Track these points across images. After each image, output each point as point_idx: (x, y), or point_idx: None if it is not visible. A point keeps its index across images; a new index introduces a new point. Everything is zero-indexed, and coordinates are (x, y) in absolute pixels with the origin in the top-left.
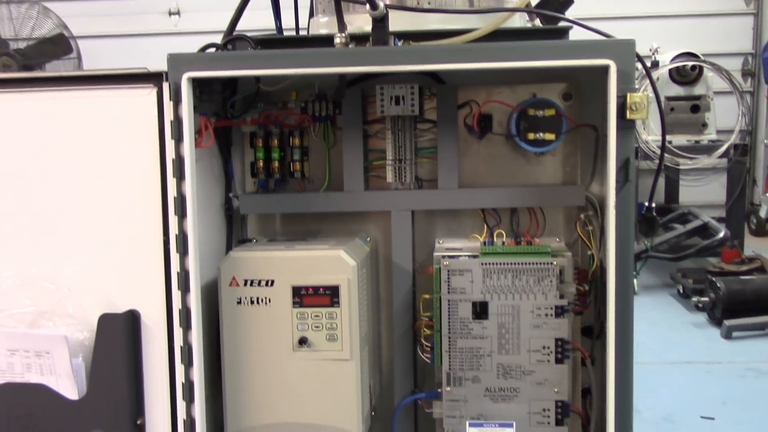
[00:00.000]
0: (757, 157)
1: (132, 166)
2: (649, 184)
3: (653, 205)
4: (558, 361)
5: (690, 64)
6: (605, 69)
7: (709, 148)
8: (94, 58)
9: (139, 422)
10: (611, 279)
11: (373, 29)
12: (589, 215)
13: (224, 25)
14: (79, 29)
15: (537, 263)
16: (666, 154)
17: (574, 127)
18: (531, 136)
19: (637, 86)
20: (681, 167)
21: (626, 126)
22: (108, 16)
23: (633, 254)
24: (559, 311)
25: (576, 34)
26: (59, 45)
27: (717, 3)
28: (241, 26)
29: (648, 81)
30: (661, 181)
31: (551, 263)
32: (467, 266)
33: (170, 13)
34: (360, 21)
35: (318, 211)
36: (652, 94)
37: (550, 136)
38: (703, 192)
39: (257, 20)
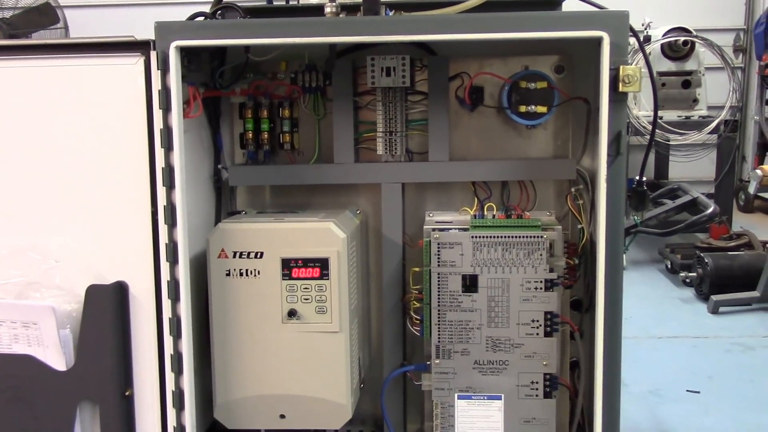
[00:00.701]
0: (747, 133)
1: (119, 137)
2: (639, 160)
3: (644, 179)
4: (547, 334)
5: (682, 39)
6: (598, 41)
7: (699, 124)
8: (82, 27)
9: (127, 393)
10: (601, 252)
11: None
12: (580, 189)
13: None
14: None
15: (527, 236)
16: (657, 130)
17: (566, 99)
18: (523, 108)
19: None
20: (671, 143)
21: (619, 99)
22: None
23: (623, 228)
24: (549, 285)
25: (570, 5)
26: (45, 14)
27: None
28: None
29: (639, 56)
30: (652, 156)
31: (541, 237)
32: (457, 239)
33: None
34: None
35: (308, 183)
36: (644, 69)
37: (541, 109)
38: (693, 168)
39: None
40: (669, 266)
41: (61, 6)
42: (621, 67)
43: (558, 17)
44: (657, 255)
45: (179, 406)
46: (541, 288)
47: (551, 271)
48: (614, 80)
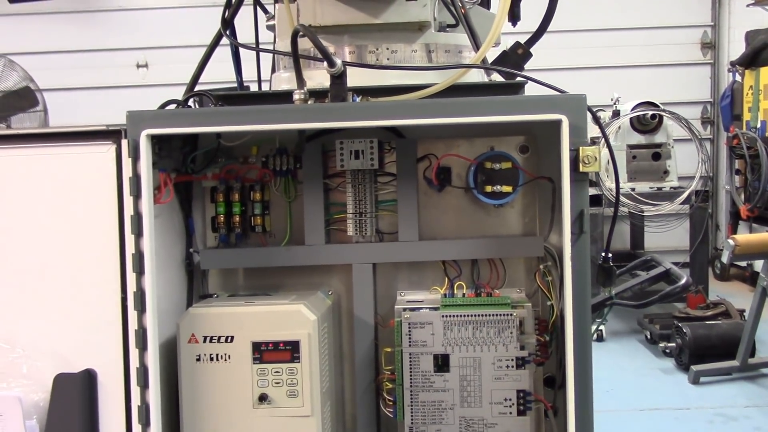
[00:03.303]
0: (719, 202)
1: (90, 223)
2: (614, 231)
3: (610, 255)
4: (520, 413)
5: (650, 113)
6: (559, 123)
7: (671, 195)
8: (61, 110)
9: None
10: (569, 328)
11: (331, 86)
12: (548, 266)
13: (202, 77)
14: (45, 82)
15: (497, 314)
16: (630, 201)
17: (531, 179)
18: (488, 188)
19: (596, 136)
20: (645, 214)
21: (579, 178)
22: (75, 69)
23: (590, 303)
24: (520, 362)
25: (531, 89)
26: (25, 98)
27: (675, 53)
28: (207, 77)
29: (611, 130)
30: (627, 228)
31: (511, 314)
32: (428, 319)
33: (138, 66)
34: (320, 77)
35: (279, 265)
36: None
37: (507, 189)
38: (668, 238)
39: (223, 72)
40: (648, 336)
41: (40, 89)
42: (581, 148)
43: (518, 102)
44: (636, 326)
45: None
46: (512, 366)
47: (522, 348)
48: (575, 161)
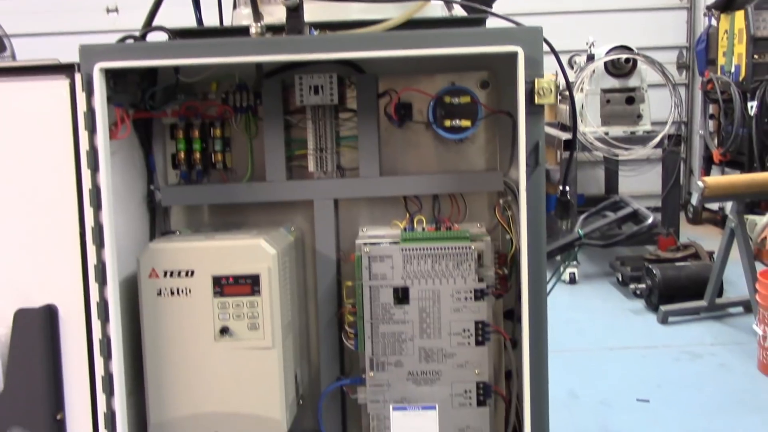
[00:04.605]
0: (693, 147)
1: (46, 158)
2: (588, 175)
3: (567, 188)
4: (478, 343)
5: (624, 56)
6: (515, 56)
7: (644, 139)
8: (29, 56)
9: (59, 417)
10: (524, 260)
11: (287, 19)
12: (508, 200)
13: (164, 22)
14: (13, 27)
15: (456, 248)
16: (603, 145)
17: (489, 113)
18: (447, 123)
19: (572, 80)
20: (619, 158)
21: (535, 111)
22: (42, 13)
23: (545, 236)
24: (479, 294)
25: (493, 23)
26: None
27: None
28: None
29: (585, 74)
30: (602, 172)
31: (469, 247)
32: (388, 252)
33: (108, 11)
34: (280, 12)
35: (241, 201)
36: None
37: (465, 123)
38: (642, 182)
39: (190, 17)
40: (620, 279)
41: (8, 35)
42: (536, 80)
43: (474, 34)
44: (608, 268)
45: (111, 428)
46: (471, 298)
47: (480, 280)
48: (530, 93)
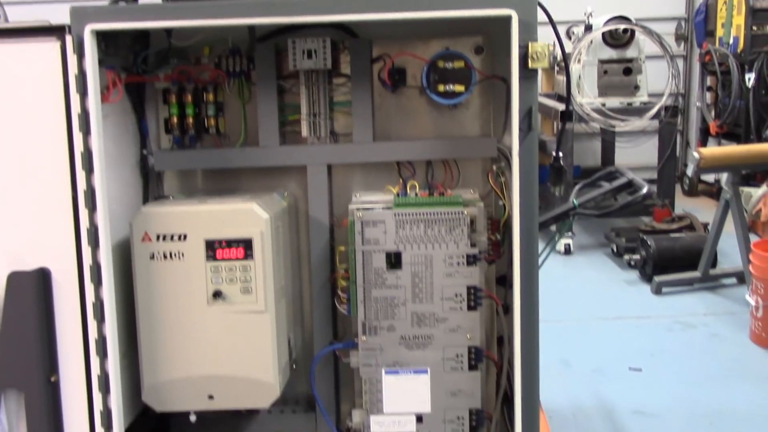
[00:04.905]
0: (690, 119)
1: (38, 121)
2: (584, 147)
3: (560, 155)
4: (470, 308)
5: (622, 27)
6: (509, 19)
7: (641, 111)
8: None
9: (53, 379)
10: (516, 225)
11: None
12: (501, 167)
13: None
14: None
15: (448, 213)
16: (599, 117)
17: (483, 78)
18: (441, 87)
19: (570, 51)
20: (616, 130)
21: (529, 75)
22: None
23: (537, 201)
24: (471, 259)
25: None
26: None
27: None
28: None
29: (582, 44)
30: (598, 144)
31: (462, 213)
32: (381, 217)
33: None
34: None
35: (234, 166)
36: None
37: (459, 88)
38: (638, 154)
39: None
40: (614, 250)
41: (1, 3)
42: (530, 44)
43: None
44: (603, 239)
45: (105, 389)
46: (463, 263)
47: (473, 246)
48: (524, 57)
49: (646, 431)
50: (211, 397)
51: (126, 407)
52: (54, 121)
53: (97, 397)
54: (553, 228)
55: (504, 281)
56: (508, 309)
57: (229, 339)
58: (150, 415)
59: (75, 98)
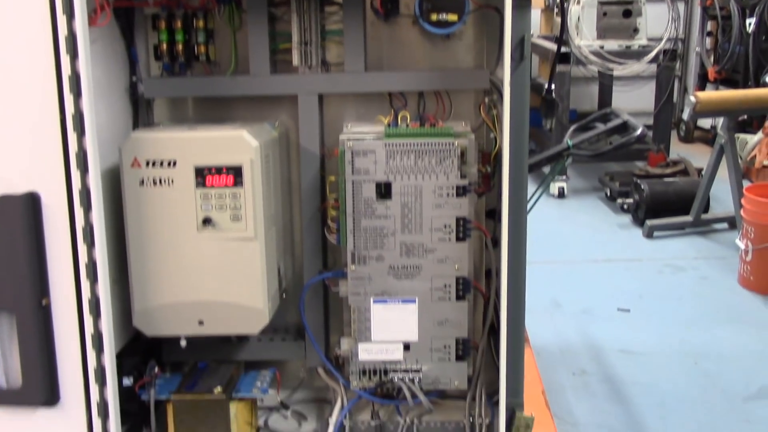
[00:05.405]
0: (689, 65)
1: (24, 44)
2: (581, 91)
3: (552, 87)
4: (459, 239)
5: None
6: None
7: (639, 54)
8: None
9: (44, 303)
10: (506, 155)
11: None
12: (493, 99)
13: None
14: None
15: (439, 144)
16: (597, 59)
17: (477, 8)
18: (434, 17)
19: None
20: (614, 73)
21: (522, 4)
22: None
23: (527, 132)
24: (461, 191)
25: None
26: None
27: None
28: None
29: None
30: (596, 88)
31: (453, 144)
32: (371, 147)
33: None
34: None
35: (224, 94)
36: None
37: (452, 17)
38: (635, 98)
39: None
40: (608, 194)
41: None
42: None
43: None
44: (597, 183)
45: (96, 313)
46: (452, 194)
47: (463, 177)
48: None
49: (631, 369)
50: (201, 322)
51: (117, 332)
52: (41, 44)
53: (88, 320)
54: (547, 170)
55: (494, 214)
56: (497, 242)
57: (219, 265)
58: (141, 340)
59: (62, 20)
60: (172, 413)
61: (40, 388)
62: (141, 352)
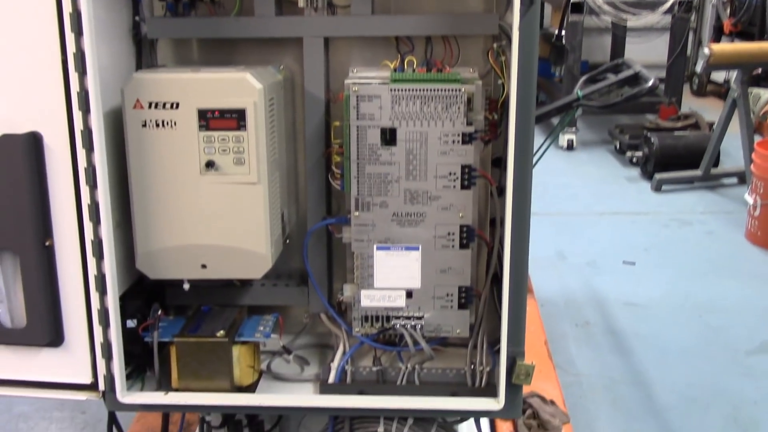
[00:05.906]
0: (704, 18)
1: None
2: (594, 42)
3: (563, 34)
4: (464, 187)
5: None
6: None
7: (654, 4)
8: None
9: (47, 243)
10: (513, 101)
11: None
12: (502, 45)
13: None
14: None
15: (445, 90)
16: (611, 9)
17: None
18: None
19: None
20: (628, 24)
21: None
22: None
23: (535, 79)
24: (467, 138)
25: None
26: None
27: None
28: None
29: None
30: (608, 39)
31: (459, 90)
32: (376, 92)
33: None
34: None
35: (228, 36)
36: None
37: None
38: (648, 51)
39: None
40: (618, 147)
41: None
42: None
43: None
44: (607, 136)
45: (99, 255)
46: (458, 141)
47: (469, 124)
48: None
49: (635, 322)
50: (204, 266)
51: (120, 275)
52: None
53: (92, 262)
54: (556, 121)
55: (500, 163)
56: (502, 191)
57: (221, 209)
58: (145, 283)
59: None
60: (175, 355)
61: (45, 328)
62: (144, 295)
